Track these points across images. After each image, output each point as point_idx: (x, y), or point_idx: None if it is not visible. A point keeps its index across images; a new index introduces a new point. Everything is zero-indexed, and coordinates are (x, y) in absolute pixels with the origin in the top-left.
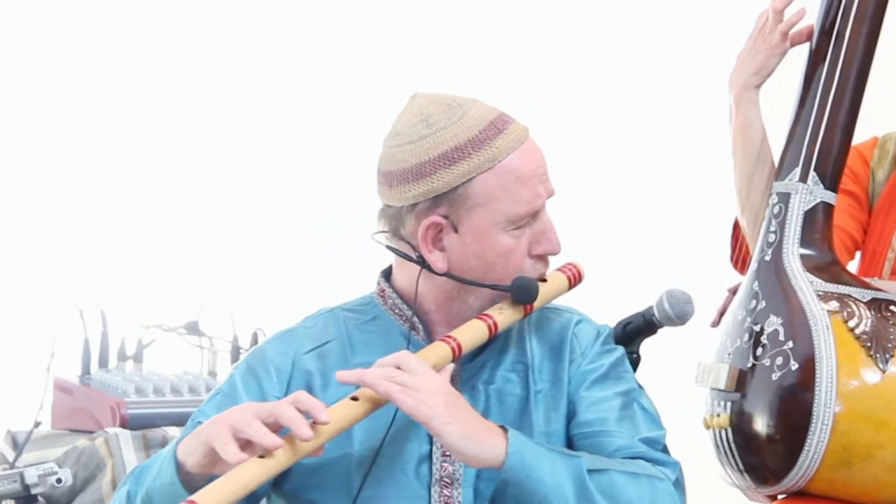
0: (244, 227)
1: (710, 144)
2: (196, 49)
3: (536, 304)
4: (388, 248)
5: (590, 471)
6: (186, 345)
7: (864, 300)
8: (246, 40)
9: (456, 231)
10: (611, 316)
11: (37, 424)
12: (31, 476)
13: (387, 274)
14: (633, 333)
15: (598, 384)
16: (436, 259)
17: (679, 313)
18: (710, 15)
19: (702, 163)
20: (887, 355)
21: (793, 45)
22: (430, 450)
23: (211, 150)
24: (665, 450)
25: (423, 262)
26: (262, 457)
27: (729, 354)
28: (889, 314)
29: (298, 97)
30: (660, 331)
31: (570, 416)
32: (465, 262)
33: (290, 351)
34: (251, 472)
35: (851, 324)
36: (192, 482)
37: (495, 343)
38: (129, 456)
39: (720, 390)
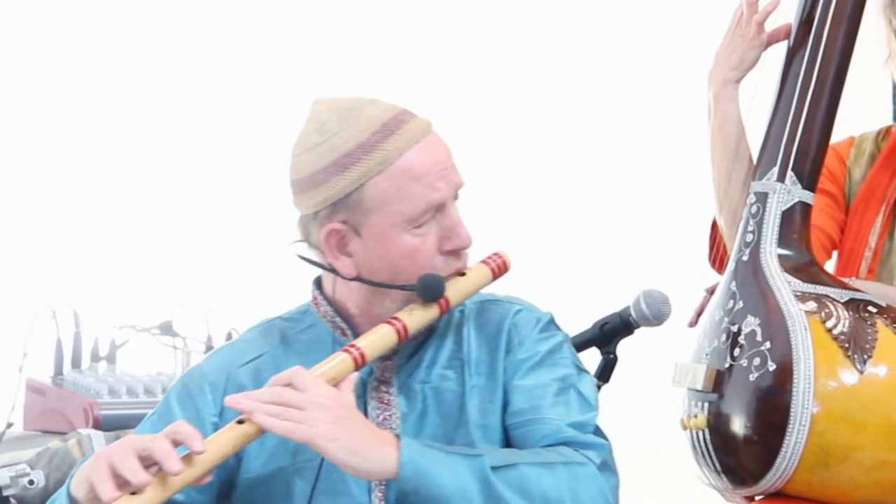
0: (218, 227)
1: (688, 143)
2: (179, 51)
3: (455, 299)
4: (300, 257)
5: (495, 468)
6: (160, 345)
7: (842, 300)
8: (227, 44)
9: (359, 235)
10: (588, 316)
11: (9, 425)
12: (2, 478)
13: (318, 282)
14: (609, 334)
15: (533, 371)
16: (343, 265)
17: (656, 313)
18: (688, 13)
19: (679, 162)
20: (865, 356)
21: (770, 44)
22: None
23: (185, 151)
24: (596, 431)
25: (333, 269)
26: (134, 493)
27: (706, 355)
28: (867, 314)
29: (274, 100)
30: (637, 331)
31: (506, 406)
32: (372, 265)
33: (225, 366)
34: None
35: (829, 324)
36: None
37: (432, 340)
38: None
39: (697, 391)
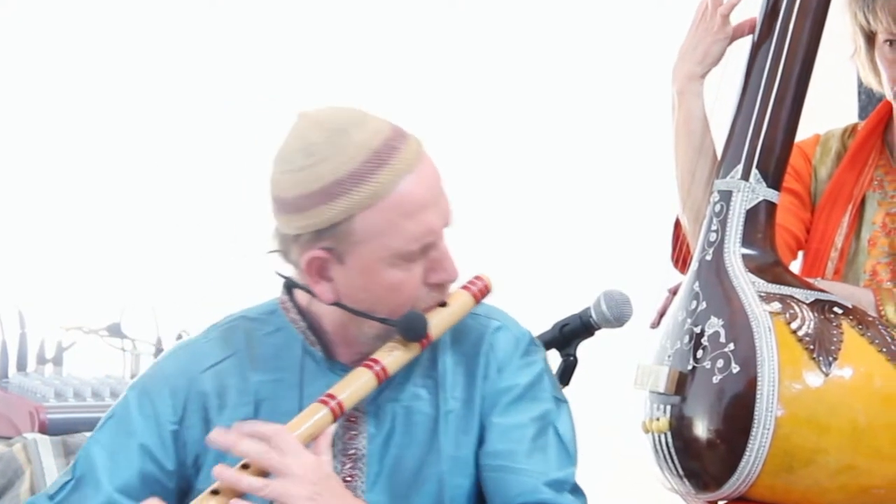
0: (167, 225)
1: (651, 140)
2: (133, 53)
3: (436, 332)
4: (279, 274)
5: None
6: (108, 347)
7: (807, 301)
8: (185, 47)
9: (342, 262)
10: (548, 317)
11: None
12: None
13: (290, 287)
14: (569, 335)
15: (511, 408)
16: (322, 290)
17: (617, 315)
18: (653, 12)
19: (642, 160)
20: (830, 358)
21: (735, 38)
22: None
23: (134, 147)
24: (574, 489)
25: (310, 290)
26: None
27: (669, 356)
28: (832, 316)
29: (225, 101)
30: (598, 332)
31: (481, 441)
32: (353, 294)
33: (186, 370)
34: None
35: (794, 325)
36: None
37: None
38: (49, 462)
39: (659, 393)
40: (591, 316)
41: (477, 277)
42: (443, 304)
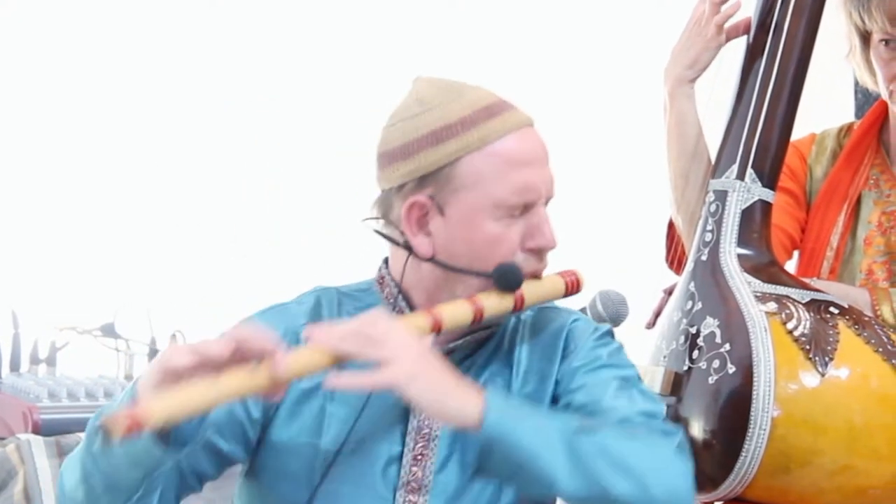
0: (161, 226)
1: (645, 141)
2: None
3: (528, 301)
4: (377, 231)
5: (579, 430)
6: (102, 347)
7: (803, 301)
8: (165, 50)
9: (442, 214)
10: None
11: None
12: None
13: (387, 262)
14: None
15: (592, 372)
16: (420, 243)
17: (613, 315)
18: (645, 14)
19: (635, 160)
20: (826, 358)
21: (729, 39)
22: (402, 452)
23: (126, 147)
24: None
25: (409, 247)
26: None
27: (664, 357)
28: (828, 316)
29: (218, 99)
30: None
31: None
32: (452, 247)
33: (281, 324)
34: (202, 391)
35: (790, 325)
36: None
37: (487, 345)
38: (42, 463)
39: (655, 394)
40: (587, 316)
41: (571, 271)
42: (536, 278)
